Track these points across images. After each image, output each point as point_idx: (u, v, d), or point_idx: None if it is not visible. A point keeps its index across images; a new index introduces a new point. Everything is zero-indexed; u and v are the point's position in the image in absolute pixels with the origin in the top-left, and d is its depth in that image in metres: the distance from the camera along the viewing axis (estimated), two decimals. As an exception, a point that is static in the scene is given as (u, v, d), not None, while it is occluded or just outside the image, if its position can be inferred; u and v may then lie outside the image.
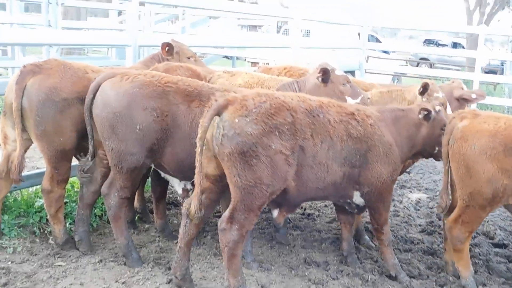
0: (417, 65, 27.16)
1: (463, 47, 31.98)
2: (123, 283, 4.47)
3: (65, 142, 4.71)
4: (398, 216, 6.67)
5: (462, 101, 6.23)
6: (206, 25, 18.22)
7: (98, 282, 4.48)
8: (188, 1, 8.85)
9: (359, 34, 15.02)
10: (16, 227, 5.18)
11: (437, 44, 33.92)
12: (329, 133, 4.22)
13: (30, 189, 5.76)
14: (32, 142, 4.83)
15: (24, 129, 4.66)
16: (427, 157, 5.19)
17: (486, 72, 17.99)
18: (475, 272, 4.91)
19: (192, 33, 14.94)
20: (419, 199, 7.46)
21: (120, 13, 17.30)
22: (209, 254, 5.11)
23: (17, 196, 5.65)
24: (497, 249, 5.76)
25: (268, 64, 12.07)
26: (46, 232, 5.26)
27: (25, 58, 12.78)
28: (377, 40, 25.89)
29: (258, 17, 24.30)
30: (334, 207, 6.72)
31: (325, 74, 5.17)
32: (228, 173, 3.97)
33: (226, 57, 19.02)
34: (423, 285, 4.79)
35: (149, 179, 5.76)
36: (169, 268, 4.76)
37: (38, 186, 5.43)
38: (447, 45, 33.79)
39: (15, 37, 6.10)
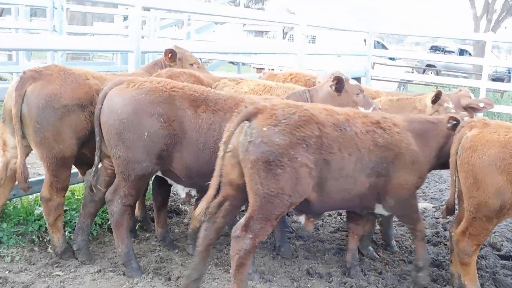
0: (423, 72, 27.06)
1: (469, 54, 31.84)
2: (121, 294, 4.40)
3: (65, 150, 4.64)
4: (403, 226, 6.55)
5: (470, 110, 6.14)
6: (211, 30, 18.17)
7: (96, 293, 4.41)
8: (194, 6, 8.82)
9: (365, 40, 14.96)
10: (15, 236, 5.12)
11: (444, 51, 33.78)
12: (356, 145, 4.23)
13: (30, 196, 5.70)
14: (32, 149, 4.76)
15: (23, 136, 4.59)
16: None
17: (493, 80, 17.92)
18: (481, 285, 4.80)
19: (197, 39, 14.91)
20: (425, 208, 7.35)
21: (125, 18, 17.29)
22: (210, 264, 5.00)
23: (16, 203, 5.59)
24: (504, 261, 5.63)
25: (273, 70, 12.03)
26: (45, 240, 5.19)
27: (29, 63, 12.81)
28: (383, 47, 25.81)
29: (264, 23, 24.29)
30: (337, 217, 6.67)
31: (339, 83, 5.10)
32: (249, 180, 3.96)
33: (232, 63, 19.01)
34: (429, 298, 4.69)
35: (151, 187, 5.67)
36: (169, 279, 4.69)
37: (38, 194, 5.36)
38: (453, 52, 33.65)
39: (18, 42, 6.07)
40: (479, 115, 7.61)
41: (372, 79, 12.57)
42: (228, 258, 5.14)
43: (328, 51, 13.70)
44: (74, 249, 4.93)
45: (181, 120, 4.40)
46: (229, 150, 4.01)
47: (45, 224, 5.02)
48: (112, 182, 4.72)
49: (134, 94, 4.38)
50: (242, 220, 4.06)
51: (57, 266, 4.81)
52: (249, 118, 3.98)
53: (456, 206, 4.75)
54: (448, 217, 4.60)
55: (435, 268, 5.29)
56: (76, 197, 5.87)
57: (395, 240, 5.91)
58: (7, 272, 4.64)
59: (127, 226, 4.74)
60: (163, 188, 5.31)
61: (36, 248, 5.11)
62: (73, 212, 5.53)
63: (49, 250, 5.04)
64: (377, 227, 5.98)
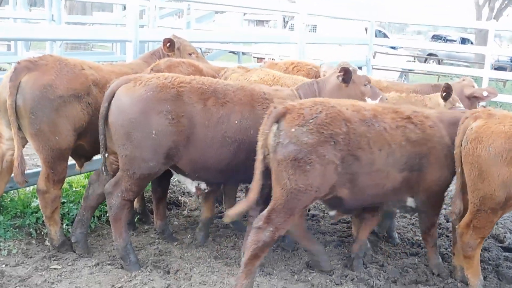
0: (425, 61, 26.90)
1: (471, 43, 31.66)
2: (119, 287, 4.33)
3: (61, 141, 4.56)
4: (405, 217, 6.48)
5: (473, 99, 6.06)
6: (211, 20, 18.04)
7: (94, 287, 4.35)
8: (193, -5, 8.69)
9: (366, 29, 14.81)
10: (11, 228, 5.06)
11: (446, 40, 33.58)
12: (386, 140, 4.25)
13: (27, 188, 5.63)
14: (27, 141, 4.68)
15: (19, 128, 4.50)
16: None
17: (495, 69, 17.75)
18: (484, 278, 4.73)
19: (197, 28, 14.79)
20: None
21: (125, 8, 17.15)
22: (209, 257, 4.96)
23: (13, 196, 5.52)
24: (506, 253, 5.57)
25: (274, 59, 11.91)
26: (42, 233, 5.13)
27: (28, 53, 12.71)
28: (385, 36, 25.62)
29: (265, 12, 24.11)
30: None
31: (346, 74, 5.05)
32: (276, 177, 4.04)
33: (232, 52, 18.88)
34: (431, 291, 4.63)
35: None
36: (168, 272, 4.64)
37: (35, 186, 5.28)
38: (455, 41, 33.45)
39: (16, 32, 5.95)
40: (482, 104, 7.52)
41: (373, 68, 12.45)
42: (228, 251, 5.09)
43: (330, 40, 13.56)
44: (72, 241, 4.87)
45: (190, 115, 4.34)
46: (268, 153, 4.08)
47: (42, 216, 4.96)
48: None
49: (141, 93, 4.30)
50: (264, 212, 4.08)
51: (54, 260, 4.76)
52: (278, 118, 4.05)
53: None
54: (456, 212, 4.50)
55: (437, 261, 5.21)
56: (74, 189, 5.80)
57: (397, 232, 5.84)
58: (3, 265, 4.58)
59: (126, 220, 4.67)
60: (162, 180, 5.23)
61: (33, 241, 5.05)
62: (71, 205, 5.46)
63: (47, 243, 4.98)
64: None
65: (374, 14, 12.11)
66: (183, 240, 5.31)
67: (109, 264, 4.71)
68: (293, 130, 3.98)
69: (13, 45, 14.31)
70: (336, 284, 4.60)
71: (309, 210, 6.49)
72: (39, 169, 5.02)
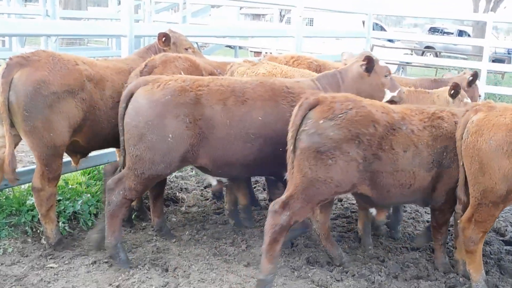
0: (422, 54, 26.83)
1: (468, 35, 31.57)
2: (117, 286, 4.27)
3: (56, 138, 4.49)
4: (405, 211, 6.42)
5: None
6: (207, 14, 17.92)
7: (91, 286, 4.29)
8: (189, -11, 8.59)
9: (363, 22, 14.73)
10: (7, 227, 4.99)
11: (443, 33, 33.50)
12: (413, 142, 4.26)
13: (22, 186, 5.55)
14: (21, 138, 4.60)
15: (12, 125, 4.42)
16: None
17: (493, 61, 17.69)
18: (486, 272, 4.67)
19: (193, 23, 14.68)
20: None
21: (120, 2, 17.03)
22: (208, 254, 4.90)
23: (9, 193, 5.44)
24: (508, 247, 5.52)
25: (271, 53, 11.82)
26: (38, 231, 5.05)
27: (23, 49, 12.59)
28: (382, 29, 25.54)
29: (261, 6, 24.00)
30: (338, 203, 6.53)
31: (369, 63, 5.01)
32: (298, 164, 4.09)
33: (229, 46, 18.79)
34: (432, 287, 4.55)
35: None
36: (166, 270, 4.57)
37: (31, 183, 5.21)
38: (452, 33, 33.37)
39: (9, 28, 5.85)
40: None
41: (371, 61, 12.33)
42: (227, 248, 5.03)
43: (327, 34, 13.46)
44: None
45: (208, 117, 4.34)
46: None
47: (38, 214, 4.89)
48: None
49: (159, 96, 4.29)
50: (283, 197, 4.13)
51: (50, 258, 4.69)
52: (309, 109, 4.09)
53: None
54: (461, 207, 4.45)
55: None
56: (69, 186, 5.72)
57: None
58: (-1, 264, 4.51)
59: (122, 219, 4.62)
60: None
61: (29, 240, 4.98)
62: (67, 202, 5.38)
63: (43, 241, 4.90)
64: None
65: (371, 7, 12.02)
66: (181, 237, 5.24)
67: (106, 262, 4.63)
68: (321, 122, 4.02)
69: (7, 40, 14.18)
70: (336, 280, 4.54)
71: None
72: (34, 166, 4.94)
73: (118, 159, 5.73)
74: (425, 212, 6.54)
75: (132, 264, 4.60)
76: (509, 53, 25.41)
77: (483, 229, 4.30)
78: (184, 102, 4.29)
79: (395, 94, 5.09)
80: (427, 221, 6.20)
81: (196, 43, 15.23)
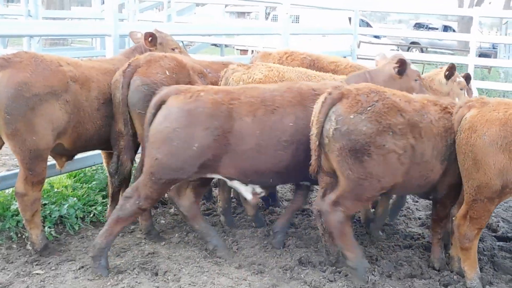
0: (408, 50, 26.86)
1: (453, 31, 31.69)
2: (105, 292, 4.17)
3: (39, 141, 4.37)
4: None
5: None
6: (192, 12, 17.77)
7: (79, 292, 4.17)
8: (173, -13, 8.48)
9: (349, 19, 14.68)
10: (-9, 233, 4.85)
11: (428, 28, 33.59)
12: (432, 132, 4.27)
13: (7, 190, 5.41)
14: (4, 142, 4.48)
15: (-6, 128, 4.30)
16: None
17: (478, 56, 17.72)
18: (480, 269, 4.61)
19: (178, 21, 14.54)
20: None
21: (104, 1, 16.82)
22: (198, 256, 4.79)
23: (-8, 198, 5.30)
24: (500, 243, 5.49)
25: (258, 52, 11.72)
26: (24, 237, 4.92)
27: (5, 50, 12.37)
28: (368, 25, 25.51)
29: (246, 4, 23.90)
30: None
31: (402, 66, 5.02)
32: (338, 166, 4.14)
33: (214, 45, 18.64)
34: (426, 285, 4.50)
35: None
36: (156, 274, 4.46)
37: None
38: (437, 29, 33.46)
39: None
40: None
41: (358, 58, 12.30)
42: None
43: (314, 31, 13.39)
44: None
45: (238, 130, 4.33)
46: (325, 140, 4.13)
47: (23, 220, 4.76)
48: None
49: (191, 107, 4.28)
50: (331, 196, 4.20)
51: (36, 264, 4.58)
52: (334, 104, 4.08)
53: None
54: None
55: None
56: (55, 190, 5.59)
57: (389, 225, 5.74)
58: (-18, 272, 4.39)
59: (124, 227, 4.59)
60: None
61: (14, 246, 4.86)
62: (53, 206, 5.25)
63: (28, 247, 4.77)
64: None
65: (357, 4, 11.97)
66: (170, 240, 5.13)
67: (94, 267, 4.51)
68: (351, 117, 4.00)
69: (-11, 42, 13.94)
70: (329, 281, 4.47)
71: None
72: (17, 170, 4.81)
73: (104, 161, 5.63)
74: (416, 209, 6.51)
75: (121, 268, 4.50)
76: (494, 48, 25.50)
77: (478, 225, 4.26)
78: (215, 115, 4.28)
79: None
80: (419, 218, 6.16)
81: (182, 41, 15.10)
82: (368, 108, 4.01)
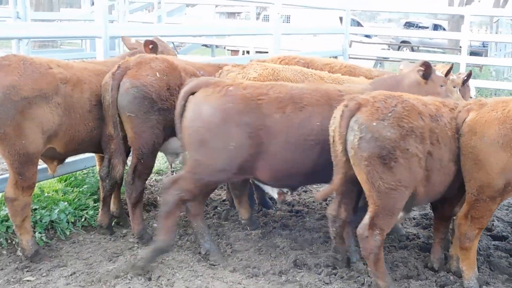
0: (398, 49, 26.91)
1: (444, 29, 31.77)
2: (98, 298, 4.10)
3: (28, 145, 4.29)
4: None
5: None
6: (183, 13, 17.71)
7: (71, 299, 4.10)
8: (163, -12, 8.41)
9: (340, 18, 14.66)
10: (-20, 239, 4.77)
11: (418, 27, 33.68)
12: (447, 135, 4.23)
13: (-4, 196, 5.31)
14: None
15: (-18, 132, 4.21)
16: None
17: (469, 54, 17.77)
18: (477, 269, 4.60)
19: (168, 22, 14.46)
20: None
21: (93, 3, 16.70)
22: (192, 260, 4.73)
23: (-19, 204, 5.21)
24: (496, 242, 5.47)
25: (249, 52, 11.69)
26: (14, 243, 4.84)
27: (-6, 52, 12.24)
28: (359, 24, 25.54)
29: (236, 4, 23.83)
30: (323, 203, 6.42)
31: (427, 69, 4.98)
32: (368, 177, 4.02)
33: (205, 45, 18.61)
34: (423, 286, 4.46)
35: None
36: (149, 279, 4.39)
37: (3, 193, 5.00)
38: (427, 28, 33.57)
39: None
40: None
41: (350, 57, 12.27)
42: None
43: (306, 31, 13.36)
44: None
45: (269, 126, 4.29)
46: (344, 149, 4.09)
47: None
48: None
49: (221, 102, 4.25)
50: (366, 220, 4.10)
51: (27, 271, 4.49)
52: (353, 114, 4.02)
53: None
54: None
55: (427, 253, 5.04)
56: (46, 194, 5.50)
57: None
58: (-28, 280, 4.30)
59: (176, 219, 4.58)
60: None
61: (4, 252, 4.77)
62: (43, 211, 5.16)
63: (18, 253, 4.68)
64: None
65: (348, 3, 11.94)
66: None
67: (86, 273, 4.45)
68: (374, 124, 3.94)
69: (-23, 45, 13.81)
70: (325, 283, 4.43)
71: (293, 206, 6.32)
72: (7, 175, 4.73)
73: (97, 164, 5.55)
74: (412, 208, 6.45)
75: (113, 274, 4.42)
76: (484, 46, 25.61)
77: (479, 225, 4.25)
78: (245, 111, 4.24)
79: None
80: (414, 218, 6.12)
81: (172, 42, 15.03)
82: (389, 114, 3.98)
